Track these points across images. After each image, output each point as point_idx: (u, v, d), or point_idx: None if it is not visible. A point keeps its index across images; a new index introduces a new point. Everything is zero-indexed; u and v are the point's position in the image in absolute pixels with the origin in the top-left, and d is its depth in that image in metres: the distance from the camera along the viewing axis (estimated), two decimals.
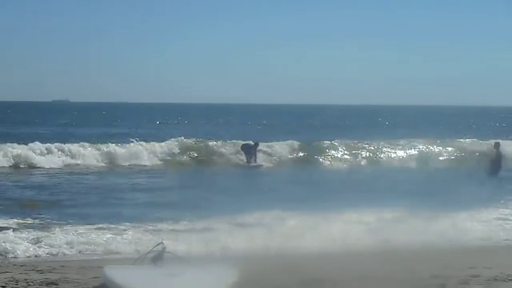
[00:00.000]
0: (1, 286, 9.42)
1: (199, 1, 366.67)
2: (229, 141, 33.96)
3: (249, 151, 31.37)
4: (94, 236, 13.47)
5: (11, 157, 28.46)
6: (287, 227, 14.01)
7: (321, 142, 35.53)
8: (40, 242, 12.92)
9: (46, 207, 17.23)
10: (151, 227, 14.29)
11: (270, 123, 71.48)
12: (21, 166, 28.21)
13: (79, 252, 12.61)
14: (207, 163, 31.29)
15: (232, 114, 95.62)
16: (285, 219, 14.66)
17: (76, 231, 13.87)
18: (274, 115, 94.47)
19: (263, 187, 22.69)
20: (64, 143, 31.00)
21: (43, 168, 27.87)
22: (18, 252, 12.32)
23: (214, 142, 33.76)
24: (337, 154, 34.20)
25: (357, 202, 15.72)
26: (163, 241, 9.67)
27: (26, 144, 30.10)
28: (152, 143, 32.35)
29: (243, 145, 32.14)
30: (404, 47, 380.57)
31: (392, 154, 35.21)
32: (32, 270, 10.57)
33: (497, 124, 79.25)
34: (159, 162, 30.74)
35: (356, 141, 36.15)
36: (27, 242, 12.86)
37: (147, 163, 30.09)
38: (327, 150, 34.35)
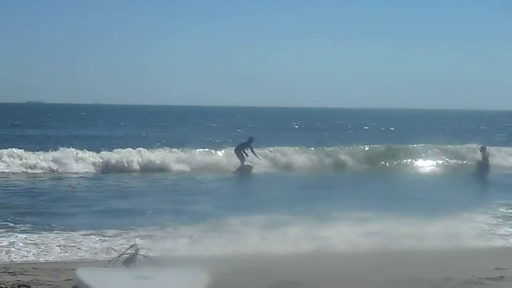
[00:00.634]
0: None
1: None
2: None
3: (240, 152, 30.45)
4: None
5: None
6: None
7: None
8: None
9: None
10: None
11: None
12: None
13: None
14: None
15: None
16: None
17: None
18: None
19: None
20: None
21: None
22: None
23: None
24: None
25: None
26: (136, 244, 9.70)
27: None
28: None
29: (236, 148, 31.17)
30: (403, 47, 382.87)
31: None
32: (4, 272, 10.58)
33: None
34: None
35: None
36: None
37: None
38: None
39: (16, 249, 13.00)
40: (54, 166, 28.61)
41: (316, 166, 33.11)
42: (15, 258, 12.42)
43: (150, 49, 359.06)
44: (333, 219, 14.93)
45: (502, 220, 17.23)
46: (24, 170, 28.16)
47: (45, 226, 15.16)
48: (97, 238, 13.90)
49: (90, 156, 30.27)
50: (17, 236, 14.01)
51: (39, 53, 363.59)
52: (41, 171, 28.28)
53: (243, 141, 31.63)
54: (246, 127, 69.51)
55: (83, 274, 8.96)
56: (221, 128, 67.02)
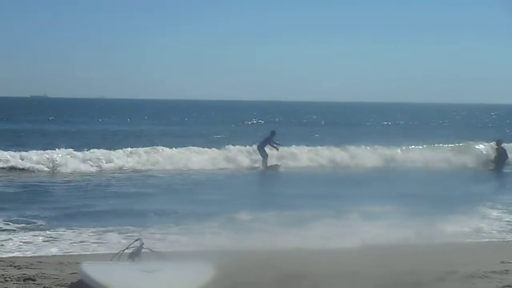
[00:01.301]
0: None
1: None
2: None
3: (263, 149, 29.96)
4: None
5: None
6: None
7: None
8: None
9: None
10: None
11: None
12: None
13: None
14: None
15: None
16: None
17: None
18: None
19: None
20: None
21: None
22: None
23: None
24: None
25: None
26: (141, 237, 9.79)
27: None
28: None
29: (259, 144, 30.59)
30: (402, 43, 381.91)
31: None
32: (10, 266, 10.69)
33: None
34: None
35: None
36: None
37: None
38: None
39: (21, 243, 13.12)
40: None
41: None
42: (20, 252, 12.52)
43: (152, 45, 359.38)
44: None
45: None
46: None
47: (52, 222, 15.32)
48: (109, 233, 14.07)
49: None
50: (20, 232, 14.18)
51: (42, 47, 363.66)
52: None
53: (266, 136, 31.07)
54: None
55: (88, 267, 9.06)
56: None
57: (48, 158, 27.77)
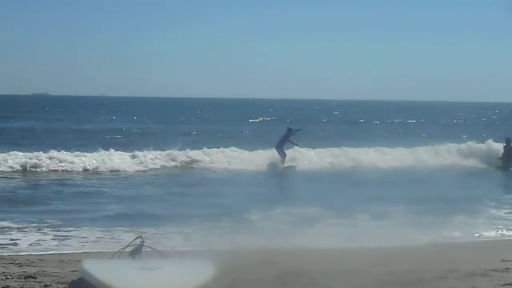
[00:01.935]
0: None
1: None
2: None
3: (281, 148, 29.18)
4: None
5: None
6: None
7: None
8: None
9: None
10: None
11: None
12: None
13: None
14: None
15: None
16: None
17: None
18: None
19: None
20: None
21: None
22: None
23: None
24: None
25: None
26: (142, 235, 9.83)
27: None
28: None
29: (277, 144, 29.61)
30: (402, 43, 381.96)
31: None
32: (11, 263, 10.75)
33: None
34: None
35: None
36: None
37: None
38: None
39: (23, 240, 13.20)
40: None
41: None
42: (21, 249, 12.59)
43: (152, 43, 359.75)
44: None
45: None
46: None
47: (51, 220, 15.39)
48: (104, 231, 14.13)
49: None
50: (22, 229, 14.26)
51: (42, 45, 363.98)
52: None
53: (283, 135, 30.05)
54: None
55: (89, 265, 9.11)
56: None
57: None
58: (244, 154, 30.62)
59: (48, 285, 9.32)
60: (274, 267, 9.57)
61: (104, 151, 28.48)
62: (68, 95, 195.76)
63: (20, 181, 23.37)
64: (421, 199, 18.32)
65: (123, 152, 28.70)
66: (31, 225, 14.84)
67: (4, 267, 10.45)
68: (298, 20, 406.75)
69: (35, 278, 9.67)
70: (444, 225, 15.10)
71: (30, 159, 26.35)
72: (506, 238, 14.57)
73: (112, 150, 28.76)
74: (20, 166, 25.87)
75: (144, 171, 26.76)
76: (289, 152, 29.82)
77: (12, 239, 13.48)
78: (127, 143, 35.48)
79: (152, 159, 28.16)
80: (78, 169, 26.18)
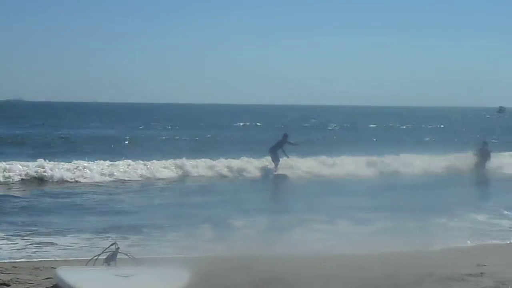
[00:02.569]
0: None
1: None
2: None
3: (275, 153, 28.70)
4: None
5: None
6: None
7: None
8: None
9: None
10: None
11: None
12: None
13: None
14: None
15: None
16: None
17: None
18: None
19: None
20: None
21: None
22: None
23: None
24: None
25: None
26: (117, 242, 9.81)
27: None
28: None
29: (271, 147, 29.23)
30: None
31: None
32: None
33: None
34: None
35: None
36: None
37: None
38: None
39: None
40: None
41: None
42: None
43: (138, 48, 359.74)
44: None
45: (490, 217, 17.59)
46: None
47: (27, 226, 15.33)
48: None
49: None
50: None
51: (18, 50, 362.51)
52: None
53: (278, 140, 29.60)
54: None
55: (63, 272, 9.10)
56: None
57: None
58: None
59: None
60: (250, 273, 9.59)
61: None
62: (42, 101, 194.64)
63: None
64: (400, 206, 18.42)
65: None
66: (8, 234, 14.75)
67: None
68: (276, 22, 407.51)
69: (8, 285, 9.63)
70: (422, 231, 15.23)
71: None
72: (482, 243, 14.67)
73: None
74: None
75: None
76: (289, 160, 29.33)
77: None
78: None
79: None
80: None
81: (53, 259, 12.19)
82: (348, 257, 11.62)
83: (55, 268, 9.68)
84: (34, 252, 12.99)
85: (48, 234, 14.68)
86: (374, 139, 51.19)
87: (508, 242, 14.93)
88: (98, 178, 25.76)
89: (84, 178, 25.54)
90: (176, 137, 50.32)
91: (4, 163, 26.00)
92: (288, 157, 29.11)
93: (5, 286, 9.58)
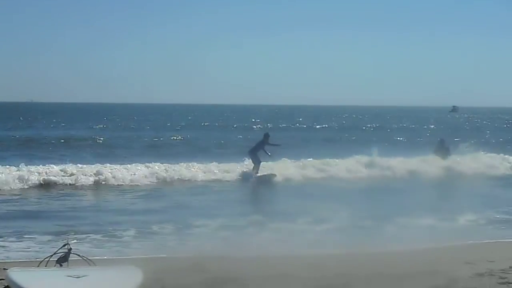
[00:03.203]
0: None
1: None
2: None
3: (255, 154, 27.35)
4: None
5: None
6: None
7: None
8: None
9: None
10: None
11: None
12: None
13: None
14: None
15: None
16: None
17: None
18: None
19: None
20: None
21: None
22: None
23: None
24: None
25: None
26: (69, 242, 9.80)
27: None
28: None
29: (251, 149, 27.95)
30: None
31: None
32: None
33: None
34: None
35: None
36: None
37: None
38: None
39: None
40: None
41: None
42: None
43: (114, 49, 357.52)
44: None
45: (443, 219, 17.78)
46: None
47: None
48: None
49: None
50: None
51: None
52: None
53: (259, 140, 28.33)
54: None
55: (15, 274, 9.04)
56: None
57: None
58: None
59: None
60: (203, 272, 9.67)
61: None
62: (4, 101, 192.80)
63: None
64: (359, 208, 18.58)
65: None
66: None
67: None
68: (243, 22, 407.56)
69: None
70: (376, 232, 15.40)
71: None
72: (434, 246, 14.82)
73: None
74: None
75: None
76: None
77: None
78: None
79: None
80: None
81: (5, 261, 12.14)
82: (302, 257, 11.76)
83: (6, 269, 9.63)
84: None
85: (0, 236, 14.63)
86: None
87: (461, 243, 15.12)
88: None
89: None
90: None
91: None
92: (269, 155, 27.77)
93: None
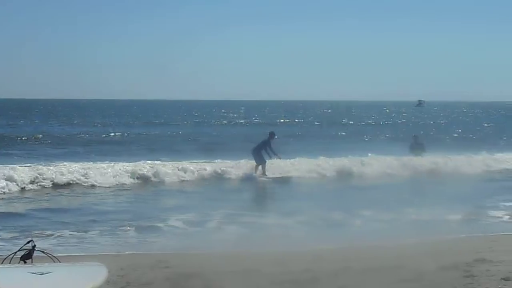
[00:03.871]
0: None
1: None
2: None
3: (259, 153, 25.93)
4: None
5: None
6: None
7: None
8: None
9: None
10: None
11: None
12: None
13: None
14: None
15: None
16: None
17: None
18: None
19: None
20: None
21: None
22: None
23: None
24: None
25: None
26: (33, 239, 9.73)
27: None
28: None
29: (254, 148, 26.40)
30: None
31: None
32: None
33: None
34: None
35: None
36: None
37: None
38: None
39: None
40: None
41: None
42: None
43: (94, 44, 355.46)
44: None
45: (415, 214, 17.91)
46: None
47: None
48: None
49: None
50: None
51: None
52: None
53: (263, 139, 26.78)
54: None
55: None
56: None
57: None
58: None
59: None
60: (166, 269, 9.66)
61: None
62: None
63: None
64: (329, 205, 18.66)
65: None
66: None
67: None
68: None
69: None
70: (342, 227, 15.50)
71: None
72: (401, 241, 14.93)
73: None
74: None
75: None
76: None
77: None
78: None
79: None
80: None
81: None
82: (268, 253, 11.79)
83: None
84: None
85: None
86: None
87: (426, 238, 15.24)
88: None
89: None
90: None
91: None
92: (277, 156, 26.32)
93: None
